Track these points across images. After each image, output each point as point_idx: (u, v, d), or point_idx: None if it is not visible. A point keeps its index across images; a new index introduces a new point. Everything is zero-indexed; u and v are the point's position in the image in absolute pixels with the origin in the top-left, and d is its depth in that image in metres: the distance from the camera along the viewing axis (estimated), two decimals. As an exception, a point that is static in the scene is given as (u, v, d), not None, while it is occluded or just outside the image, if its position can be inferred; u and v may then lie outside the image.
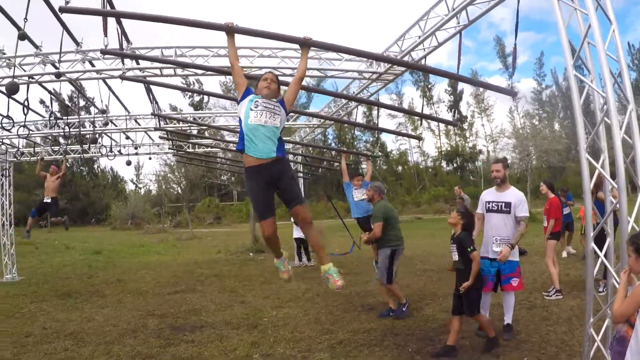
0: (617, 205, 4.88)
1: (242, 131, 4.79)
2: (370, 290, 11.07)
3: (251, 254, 20.97)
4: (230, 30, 4.92)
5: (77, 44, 9.05)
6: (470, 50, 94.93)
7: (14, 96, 8.88)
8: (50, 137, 17.69)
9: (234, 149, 15.68)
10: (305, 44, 5.08)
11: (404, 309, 8.61)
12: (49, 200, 13.55)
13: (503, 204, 7.05)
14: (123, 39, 8.45)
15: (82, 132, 15.46)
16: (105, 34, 7.49)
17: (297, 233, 15.73)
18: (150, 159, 19.38)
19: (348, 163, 30.79)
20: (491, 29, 76.74)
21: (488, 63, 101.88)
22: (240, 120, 4.87)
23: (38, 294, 12.78)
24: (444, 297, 9.67)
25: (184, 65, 9.25)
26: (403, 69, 10.67)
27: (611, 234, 5.19)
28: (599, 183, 5.52)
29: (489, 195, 7.31)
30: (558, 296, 9.22)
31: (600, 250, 5.05)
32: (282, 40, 5.37)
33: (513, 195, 7.15)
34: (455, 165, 70.71)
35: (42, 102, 44.91)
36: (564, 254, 14.02)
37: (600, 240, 5.07)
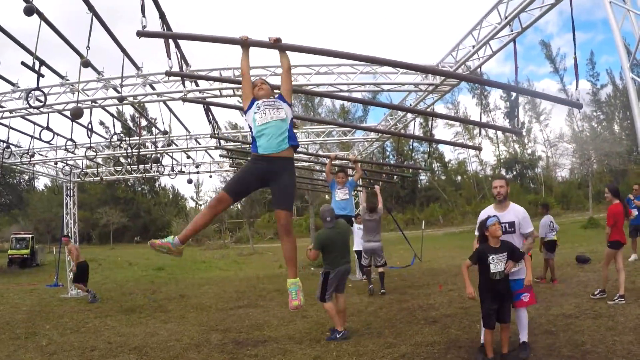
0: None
1: (253, 136, 4.84)
2: (432, 303, 10.97)
3: (312, 268, 21.05)
4: (245, 44, 5.02)
5: (138, 68, 9.38)
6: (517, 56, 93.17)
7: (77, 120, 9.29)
8: (111, 158, 18.33)
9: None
10: (275, 47, 5.05)
11: (337, 335, 8.45)
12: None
13: (507, 225, 6.81)
14: (182, 62, 8.71)
15: (143, 153, 15.92)
16: (169, 57, 7.75)
17: (357, 246, 15.62)
18: (210, 176, 19.84)
19: (407, 175, 30.72)
20: (536, 33, 75.25)
21: (537, 67, 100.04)
22: (251, 129, 4.92)
23: (102, 309, 13.16)
24: (508, 308, 9.49)
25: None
26: (458, 80, 10.61)
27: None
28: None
29: (490, 214, 6.94)
30: (621, 301, 8.97)
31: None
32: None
33: (514, 213, 6.90)
34: (514, 172, 69.20)
35: (102, 123, 46.27)
36: (632, 258, 13.56)
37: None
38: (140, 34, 5.45)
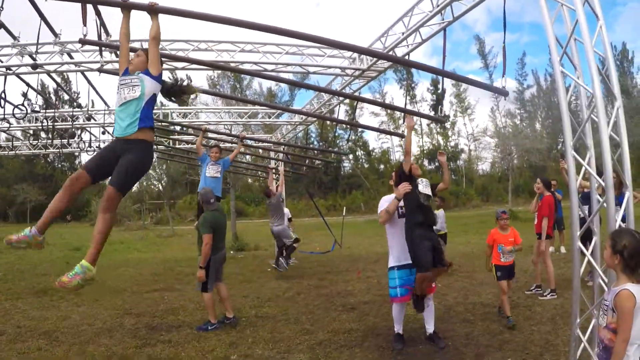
0: (604, 204, 4.80)
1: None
2: (350, 290, 10.99)
3: (232, 252, 20.79)
4: (125, 6, 4.84)
5: (56, 35, 8.82)
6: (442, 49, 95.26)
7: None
8: (30, 132, 17.44)
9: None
10: (152, 10, 4.76)
11: (210, 327, 8.27)
12: None
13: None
14: (102, 30, 8.23)
15: (60, 127, 15.17)
16: (85, 24, 7.27)
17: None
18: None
19: (328, 160, 30.75)
20: (464, 30, 77.39)
21: (463, 63, 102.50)
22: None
23: (14, 291, 12.52)
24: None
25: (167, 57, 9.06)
26: (387, 65, 10.55)
27: (597, 233, 5.12)
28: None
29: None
30: (538, 290, 9.26)
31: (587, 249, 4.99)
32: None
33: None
34: (437, 164, 70.73)
35: (24, 95, 44.19)
36: (563, 251, 14.17)
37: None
38: None
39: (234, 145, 17.45)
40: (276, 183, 16.28)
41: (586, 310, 5.02)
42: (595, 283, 5.01)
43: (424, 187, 6.79)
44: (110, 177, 4.47)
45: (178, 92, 5.23)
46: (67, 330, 8.51)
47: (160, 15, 4.79)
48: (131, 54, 4.93)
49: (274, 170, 14.65)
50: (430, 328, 7.12)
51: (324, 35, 6.14)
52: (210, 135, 10.59)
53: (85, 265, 4.38)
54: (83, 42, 7.30)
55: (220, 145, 11.62)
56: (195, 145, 10.83)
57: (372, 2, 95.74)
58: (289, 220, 16.24)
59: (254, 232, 25.66)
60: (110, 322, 8.99)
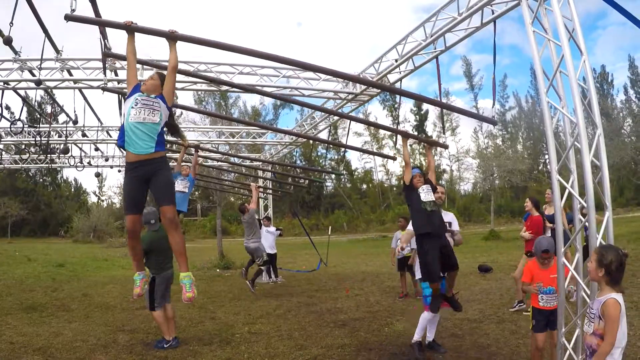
0: (587, 223, 5.16)
1: (122, 127, 4.86)
2: (340, 307, 11.18)
3: (218, 270, 20.89)
4: (129, 29, 5.02)
5: (58, 52, 9.03)
6: (427, 72, 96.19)
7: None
8: (14, 146, 17.47)
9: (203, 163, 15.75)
10: (171, 37, 5.06)
11: (165, 345, 8.32)
12: None
13: (448, 224, 7.53)
14: (105, 48, 8.45)
15: (51, 142, 15.28)
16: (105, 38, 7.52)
17: (266, 249, 15.65)
18: (119, 171, 19.21)
19: (317, 180, 31.00)
20: (445, 52, 78.62)
21: (445, 84, 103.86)
22: (123, 116, 4.94)
23: (2, 307, 12.48)
24: (414, 313, 9.82)
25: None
26: (378, 90, 10.89)
27: (580, 250, 5.47)
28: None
29: None
30: (521, 306, 9.52)
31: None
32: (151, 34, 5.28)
33: (449, 215, 7.72)
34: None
35: (7, 107, 43.82)
36: None
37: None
38: (69, 18, 5.26)
39: (222, 163, 17.71)
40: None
41: (570, 320, 5.38)
42: (578, 295, 5.36)
43: (425, 194, 7.05)
44: (158, 200, 4.86)
45: (176, 130, 5.57)
46: (62, 347, 8.54)
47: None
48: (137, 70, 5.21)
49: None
50: (431, 336, 7.47)
51: (306, 55, 6.44)
52: (200, 153, 10.60)
53: (188, 275, 5.02)
54: (108, 55, 7.53)
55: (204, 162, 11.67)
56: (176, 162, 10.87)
57: (353, 24, 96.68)
58: (280, 235, 16.38)
59: (239, 250, 25.71)
60: (105, 339, 9.02)
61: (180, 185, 9.77)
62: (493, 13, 6.87)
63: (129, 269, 22.57)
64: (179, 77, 9.70)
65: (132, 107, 4.77)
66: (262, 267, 13.85)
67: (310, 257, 21.87)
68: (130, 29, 5.02)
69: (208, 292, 14.59)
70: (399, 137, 8.00)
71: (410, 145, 68.24)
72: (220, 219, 27.68)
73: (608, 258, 4.04)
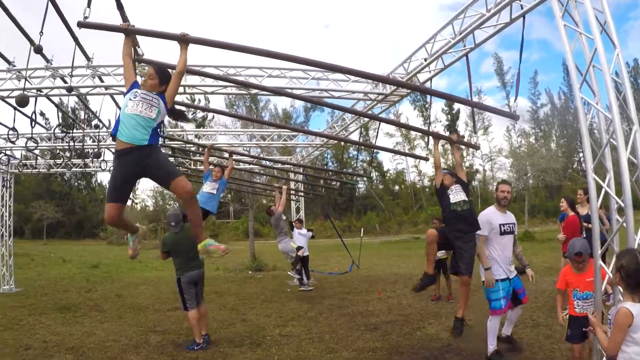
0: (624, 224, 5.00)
1: (119, 118, 4.79)
2: (372, 310, 11.09)
3: (250, 272, 20.95)
4: (128, 31, 5.06)
5: (88, 59, 9.14)
6: (456, 70, 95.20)
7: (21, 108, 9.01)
8: (50, 150, 17.79)
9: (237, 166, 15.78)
10: (183, 40, 5.03)
11: (195, 347, 8.38)
12: None
13: (513, 225, 7.18)
14: (135, 56, 8.50)
15: (85, 146, 15.48)
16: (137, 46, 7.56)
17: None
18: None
19: (349, 182, 30.93)
20: (475, 50, 77.67)
21: (474, 82, 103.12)
22: (121, 109, 4.88)
23: (37, 307, 12.77)
24: (446, 317, 9.69)
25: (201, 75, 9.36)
26: (409, 90, 10.79)
27: (617, 251, 5.29)
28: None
29: (497, 217, 7.14)
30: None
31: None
32: (162, 37, 5.25)
33: (512, 216, 7.32)
34: (454, 185, 70.26)
35: (42, 114, 44.68)
36: None
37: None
38: (82, 25, 5.31)
39: (253, 166, 17.76)
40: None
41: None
42: (615, 299, 5.19)
43: (454, 195, 7.08)
44: (164, 182, 4.76)
45: (181, 115, 5.57)
46: (94, 346, 8.68)
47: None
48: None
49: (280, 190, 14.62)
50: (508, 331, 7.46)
51: (334, 57, 6.37)
52: (229, 156, 10.56)
53: (204, 242, 4.95)
54: (140, 60, 7.58)
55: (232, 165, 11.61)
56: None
57: (379, 25, 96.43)
58: (312, 237, 16.36)
59: (272, 253, 25.82)
60: (136, 339, 9.15)
61: (208, 187, 9.72)
62: (522, 8, 6.72)
63: (162, 270, 22.87)
64: (209, 81, 9.79)
65: (131, 100, 4.72)
66: (298, 253, 13.85)
67: (343, 259, 21.77)
68: (128, 31, 5.04)
69: (240, 294, 14.64)
70: (430, 137, 7.93)
71: (442, 146, 67.99)
72: (253, 222, 27.79)
73: (621, 262, 3.90)
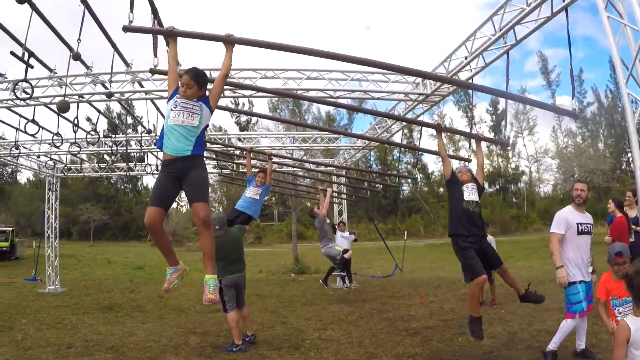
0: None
1: (162, 130, 4.77)
2: (413, 314, 10.93)
3: (293, 274, 20.96)
4: (172, 34, 5.08)
5: (127, 65, 9.24)
6: (499, 70, 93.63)
7: (63, 114, 9.16)
8: (95, 155, 18.17)
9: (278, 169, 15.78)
10: (228, 41, 4.99)
11: (234, 349, 8.33)
12: None
13: (591, 225, 6.89)
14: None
15: (128, 150, 15.73)
16: (155, 54, 7.61)
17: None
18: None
19: (393, 185, 30.68)
20: (517, 48, 75.92)
21: (518, 82, 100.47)
22: (164, 120, 4.86)
23: (80, 306, 13.03)
24: (490, 323, 9.47)
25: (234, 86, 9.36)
26: (451, 89, 10.59)
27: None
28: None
29: (575, 216, 6.85)
30: None
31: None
32: (206, 39, 5.24)
33: (590, 217, 7.01)
34: (497, 186, 69.32)
35: (88, 119, 45.68)
36: None
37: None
38: (127, 29, 5.34)
39: (295, 168, 17.72)
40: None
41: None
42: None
43: (469, 193, 6.86)
44: (190, 199, 4.68)
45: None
46: (134, 346, 8.77)
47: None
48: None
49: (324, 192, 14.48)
50: (582, 344, 7.15)
51: (375, 59, 6.23)
52: (269, 158, 10.47)
53: (213, 277, 4.76)
54: (154, 72, 7.61)
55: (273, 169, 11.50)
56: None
57: (420, 26, 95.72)
58: (355, 240, 16.23)
59: (315, 255, 25.82)
60: (176, 340, 9.22)
61: (251, 192, 9.72)
62: (564, 1, 6.46)
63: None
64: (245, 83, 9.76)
65: (172, 110, 4.72)
66: (335, 267, 13.76)
67: (386, 263, 21.62)
68: (173, 33, 5.06)
69: (281, 296, 14.63)
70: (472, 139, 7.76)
71: (488, 147, 66.91)
72: (295, 224, 27.85)
73: (632, 270, 3.65)
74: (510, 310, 10.65)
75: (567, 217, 6.83)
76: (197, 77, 4.82)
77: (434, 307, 11.66)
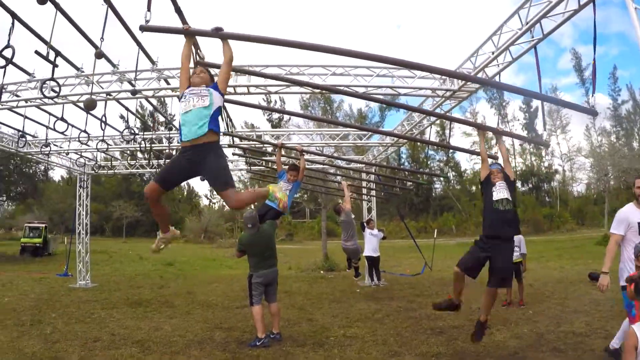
0: None
1: (179, 124, 4.82)
2: (439, 313, 10.76)
3: (322, 272, 20.95)
4: (188, 33, 5.18)
5: (153, 62, 9.31)
6: (532, 67, 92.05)
7: (92, 112, 9.28)
8: (127, 152, 18.37)
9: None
10: (218, 36, 5.02)
11: (257, 343, 8.37)
12: None
13: None
14: (197, 56, 8.59)
15: (158, 148, 15.88)
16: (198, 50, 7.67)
17: (369, 252, 15.35)
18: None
19: (422, 183, 30.47)
20: (551, 45, 74.16)
21: (551, 79, 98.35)
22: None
23: (109, 301, 13.20)
24: (516, 323, 9.34)
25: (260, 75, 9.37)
26: (478, 85, 10.44)
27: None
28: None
29: (637, 215, 6.48)
30: None
31: None
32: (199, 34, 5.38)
33: None
34: (530, 185, 68.40)
35: (122, 117, 46.23)
36: None
37: None
38: (144, 29, 5.38)
39: (325, 165, 17.68)
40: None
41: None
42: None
43: (497, 192, 6.72)
44: (215, 187, 4.76)
45: None
46: (159, 340, 8.85)
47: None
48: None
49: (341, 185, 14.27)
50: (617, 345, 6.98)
51: (405, 56, 6.17)
52: (300, 154, 10.37)
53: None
54: (198, 63, 7.64)
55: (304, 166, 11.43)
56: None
57: (453, 24, 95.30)
58: (384, 238, 16.12)
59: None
60: (201, 335, 9.27)
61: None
62: (590, -8, 6.28)
63: (236, 268, 23.20)
64: (270, 80, 9.73)
65: (181, 101, 4.80)
66: (356, 266, 13.52)
67: (415, 261, 21.50)
68: (188, 32, 5.16)
69: (309, 293, 14.63)
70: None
71: (521, 145, 66.01)
72: (325, 221, 27.84)
73: (636, 275, 3.54)
74: (537, 310, 10.48)
75: (628, 216, 6.52)
76: (206, 69, 5.13)
77: (461, 307, 11.51)
